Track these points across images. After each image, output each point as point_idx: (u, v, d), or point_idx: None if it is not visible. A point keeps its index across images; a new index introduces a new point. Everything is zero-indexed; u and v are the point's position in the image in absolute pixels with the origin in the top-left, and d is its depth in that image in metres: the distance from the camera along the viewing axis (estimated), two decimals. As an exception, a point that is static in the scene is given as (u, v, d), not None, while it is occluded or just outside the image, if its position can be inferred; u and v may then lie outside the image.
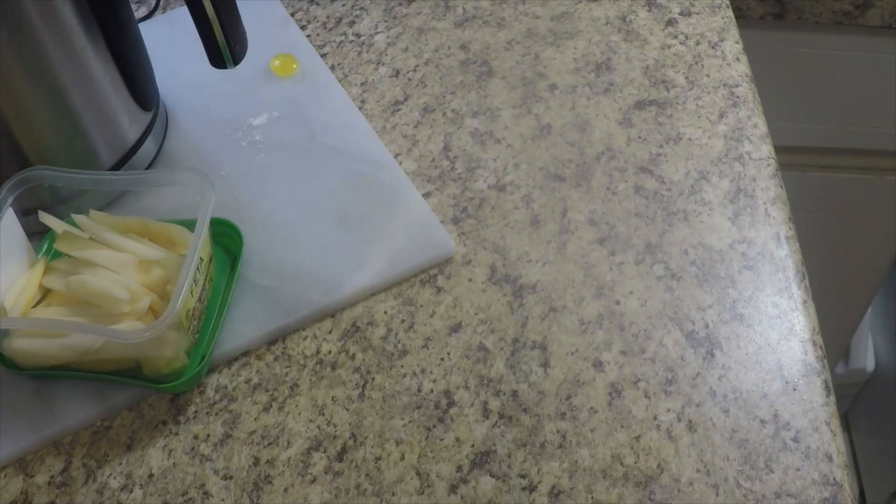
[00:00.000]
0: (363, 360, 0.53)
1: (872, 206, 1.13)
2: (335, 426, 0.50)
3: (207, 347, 0.52)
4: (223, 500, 0.48)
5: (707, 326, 0.53)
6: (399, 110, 0.66)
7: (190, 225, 0.53)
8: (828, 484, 0.47)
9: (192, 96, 0.68)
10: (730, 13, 0.73)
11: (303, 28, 0.73)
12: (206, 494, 0.48)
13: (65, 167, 0.54)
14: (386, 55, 0.71)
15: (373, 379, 0.52)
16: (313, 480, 0.48)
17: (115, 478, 0.49)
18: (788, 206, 0.60)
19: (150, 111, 0.63)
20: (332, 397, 0.51)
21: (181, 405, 0.52)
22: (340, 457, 0.49)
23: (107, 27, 0.56)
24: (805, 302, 0.54)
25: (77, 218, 0.53)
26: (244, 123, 0.66)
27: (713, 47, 0.70)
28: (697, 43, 0.70)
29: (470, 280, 0.56)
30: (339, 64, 0.70)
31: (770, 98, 0.71)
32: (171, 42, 0.71)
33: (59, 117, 0.56)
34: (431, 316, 0.55)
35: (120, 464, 0.50)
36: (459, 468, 0.48)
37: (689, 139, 0.63)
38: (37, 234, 0.55)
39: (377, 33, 0.72)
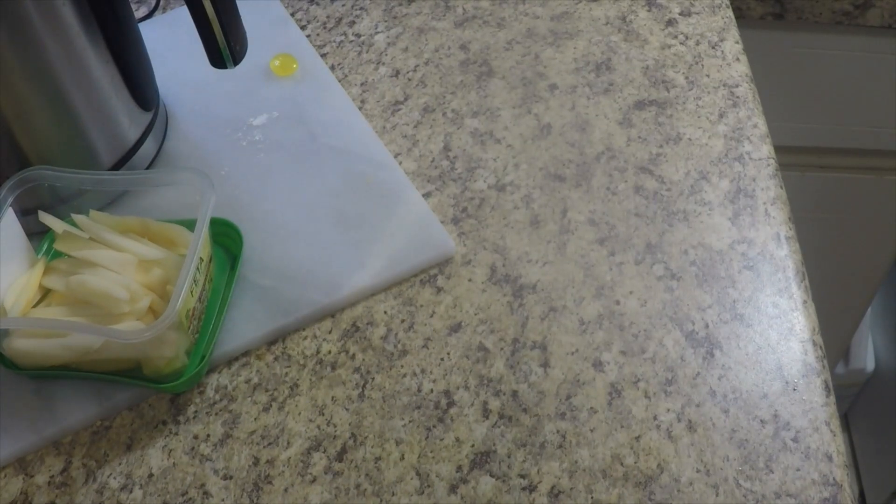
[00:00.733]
0: (363, 360, 0.53)
1: (872, 206, 1.13)
2: (335, 426, 0.50)
3: (207, 347, 0.52)
4: (223, 500, 0.48)
5: (707, 326, 0.53)
6: (399, 110, 0.66)
7: (190, 225, 0.53)
8: (828, 484, 0.47)
9: (192, 96, 0.68)
10: (730, 13, 0.73)
11: (303, 28, 0.73)
12: (206, 494, 0.48)
13: (65, 167, 0.54)
14: (386, 55, 0.71)
15: (373, 379, 0.52)
16: (313, 480, 0.48)
17: (115, 478, 0.49)
18: (788, 206, 0.60)
19: (150, 111, 0.63)
20: (332, 397, 0.51)
21: (181, 405, 0.52)
22: (340, 457, 0.49)
23: (107, 27, 0.56)
24: (805, 302, 0.54)
25: (77, 218, 0.53)
26: (244, 123, 0.66)
27: (713, 47, 0.70)
28: (697, 43, 0.70)
29: (470, 280, 0.56)
30: (339, 64, 0.70)
31: (770, 98, 0.71)
32: (171, 42, 0.71)
33: (59, 117, 0.56)
34: (431, 316, 0.55)
35: (120, 464, 0.50)
36: (459, 468, 0.48)
37: (689, 139, 0.63)
38: (37, 234, 0.55)
39: (377, 33, 0.72)
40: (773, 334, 0.53)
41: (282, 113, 0.66)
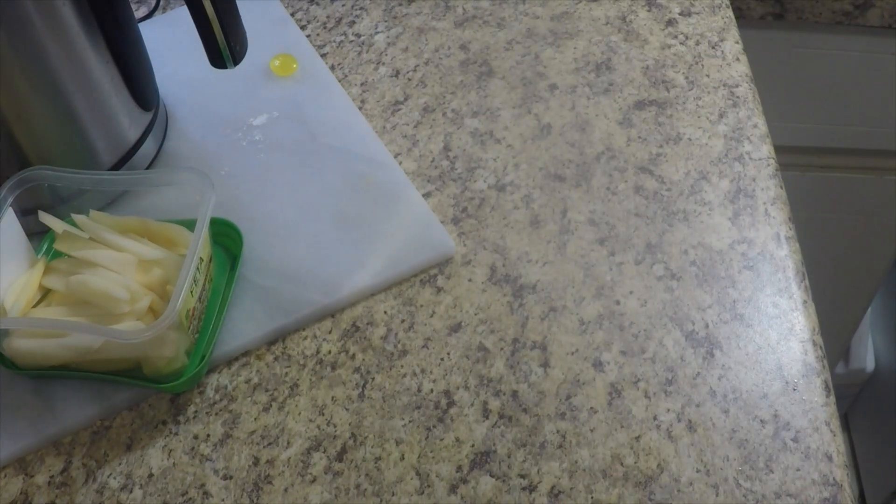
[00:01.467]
0: (363, 360, 0.53)
1: (872, 206, 1.13)
2: (335, 426, 0.50)
3: (207, 347, 0.52)
4: (223, 500, 0.48)
5: (707, 326, 0.53)
6: (399, 110, 0.66)
7: (190, 225, 0.53)
8: (828, 484, 0.47)
9: (192, 96, 0.68)
10: (730, 13, 0.73)
11: (303, 28, 0.73)
12: (206, 494, 0.48)
13: (65, 167, 0.54)
14: (386, 55, 0.71)
15: (373, 379, 0.52)
16: (313, 480, 0.48)
17: (114, 478, 0.49)
18: (788, 206, 0.60)
19: (150, 111, 0.63)
20: (332, 397, 0.51)
21: (181, 405, 0.52)
22: (340, 457, 0.49)
23: (107, 27, 0.56)
24: (805, 302, 0.54)
25: (77, 218, 0.53)
26: (244, 123, 0.66)
27: (713, 47, 0.70)
28: (697, 43, 0.70)
29: (470, 280, 0.56)
30: (339, 64, 0.70)
31: (770, 98, 0.71)
32: (171, 42, 0.71)
33: (59, 117, 0.56)
34: (431, 316, 0.55)
35: (120, 464, 0.50)
36: (459, 468, 0.48)
37: (689, 139, 0.63)
38: (37, 234, 0.55)
39: (377, 33, 0.72)
40: (773, 334, 0.53)
41: (282, 113, 0.66)
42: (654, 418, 0.49)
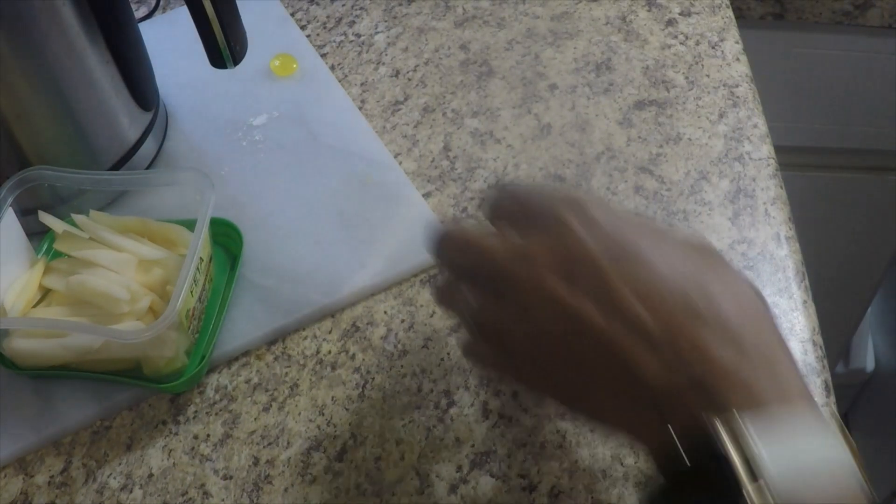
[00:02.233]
0: (363, 360, 0.53)
1: (872, 206, 1.13)
2: (335, 426, 0.50)
3: (207, 347, 0.52)
4: (223, 500, 0.48)
5: (707, 326, 0.53)
6: (399, 110, 0.66)
7: (190, 225, 0.53)
8: (828, 484, 0.47)
9: (192, 96, 0.68)
10: (730, 13, 0.73)
11: (303, 28, 0.73)
12: (206, 494, 0.48)
13: (65, 167, 0.54)
14: (386, 55, 0.71)
15: (373, 379, 0.52)
16: (313, 480, 0.48)
17: (114, 478, 0.49)
18: (788, 206, 0.60)
19: (150, 111, 0.63)
20: (332, 397, 0.51)
21: (181, 405, 0.52)
22: (340, 457, 0.49)
23: (107, 27, 0.56)
24: (805, 302, 0.54)
25: (77, 218, 0.53)
26: (244, 123, 0.66)
27: (713, 47, 0.70)
28: (697, 43, 0.70)
29: (470, 280, 0.56)
30: (339, 64, 0.70)
31: (770, 98, 0.71)
32: (171, 42, 0.71)
33: (59, 117, 0.56)
34: (431, 316, 0.55)
35: (120, 464, 0.50)
36: (459, 468, 0.48)
37: (689, 139, 0.63)
38: (37, 234, 0.55)
39: (377, 33, 0.72)
40: (773, 334, 0.53)
41: (282, 113, 0.66)
42: (654, 418, 0.49)
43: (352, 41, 0.72)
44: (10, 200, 0.51)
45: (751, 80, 0.67)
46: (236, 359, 0.53)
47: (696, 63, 0.68)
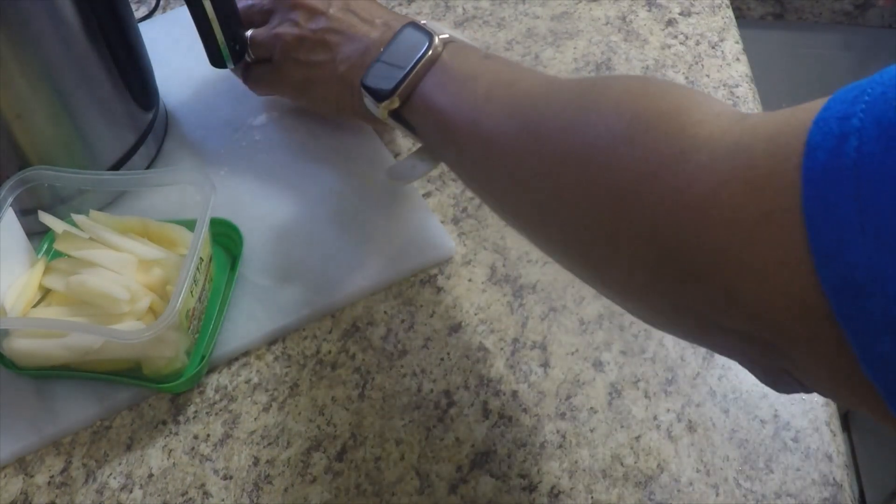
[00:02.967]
0: (363, 360, 0.53)
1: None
2: (335, 426, 0.50)
3: (207, 347, 0.52)
4: (223, 500, 0.48)
5: (707, 326, 0.53)
6: (399, 110, 0.66)
7: (190, 225, 0.53)
8: (828, 484, 0.47)
9: (192, 96, 0.68)
10: (730, 13, 0.73)
11: (303, 28, 0.73)
12: (206, 494, 0.48)
13: (65, 167, 0.54)
14: (386, 55, 0.70)
15: (373, 379, 0.52)
16: (313, 480, 0.48)
17: (115, 478, 0.49)
18: (788, 206, 0.59)
19: (150, 111, 0.63)
20: (332, 397, 0.51)
21: (181, 405, 0.52)
22: (340, 457, 0.49)
23: (107, 27, 0.56)
24: (805, 302, 0.54)
25: (77, 218, 0.53)
26: (244, 123, 0.66)
27: (713, 47, 0.70)
28: (697, 43, 0.70)
29: (470, 280, 0.56)
30: (339, 64, 0.70)
31: (770, 98, 0.71)
32: (171, 42, 0.71)
33: (59, 117, 0.56)
34: (431, 316, 0.55)
35: (120, 464, 0.50)
36: (459, 468, 0.48)
37: (689, 139, 0.63)
38: (37, 234, 0.55)
39: (377, 33, 0.72)
40: (773, 334, 0.53)
41: (282, 113, 0.66)
42: (654, 418, 0.49)
43: (352, 41, 0.72)
44: (10, 200, 0.51)
45: (751, 80, 0.67)
46: (236, 359, 0.53)
47: (696, 63, 0.68)
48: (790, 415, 0.49)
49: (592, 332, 0.53)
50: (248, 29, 0.60)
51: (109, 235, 0.52)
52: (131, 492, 0.48)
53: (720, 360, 0.52)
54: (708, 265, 0.28)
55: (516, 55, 0.70)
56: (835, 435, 0.49)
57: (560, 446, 0.49)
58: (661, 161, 0.30)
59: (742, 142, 0.29)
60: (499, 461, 0.48)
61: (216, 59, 0.58)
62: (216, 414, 0.51)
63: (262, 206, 0.60)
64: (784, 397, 0.50)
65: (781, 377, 0.30)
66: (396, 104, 0.48)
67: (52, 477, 0.49)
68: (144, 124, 0.62)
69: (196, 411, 0.51)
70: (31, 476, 0.49)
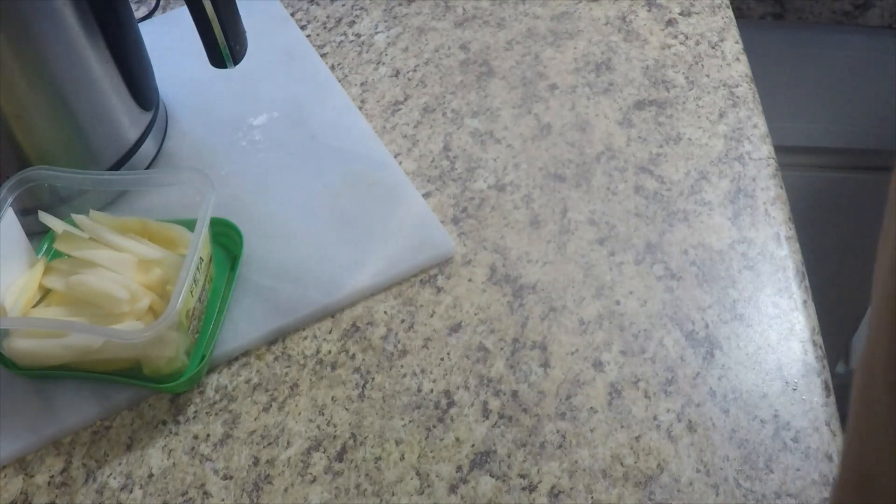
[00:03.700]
0: (363, 360, 0.53)
1: (872, 206, 1.13)
2: (335, 426, 0.50)
3: (207, 347, 0.52)
4: (223, 500, 0.48)
5: (707, 326, 0.53)
6: (399, 110, 0.66)
7: (190, 225, 0.53)
8: (828, 484, 0.47)
9: (192, 96, 0.68)
10: (730, 13, 0.73)
11: (303, 28, 0.73)
12: (206, 494, 0.48)
13: (65, 167, 0.54)
14: (386, 55, 0.70)
15: (373, 379, 0.52)
16: (313, 480, 0.48)
17: (115, 478, 0.49)
18: (788, 206, 0.60)
19: (150, 111, 0.63)
20: (332, 397, 0.51)
21: (181, 405, 0.52)
22: (340, 457, 0.49)
23: (107, 27, 0.56)
24: (805, 302, 0.54)
25: (77, 218, 0.53)
26: (244, 123, 0.66)
27: (713, 47, 0.70)
28: (697, 43, 0.70)
29: (470, 280, 0.56)
30: (339, 64, 0.70)
31: (770, 98, 0.71)
32: (171, 42, 0.71)
33: (59, 117, 0.56)
34: (431, 316, 0.55)
35: (120, 464, 0.50)
36: (459, 468, 0.48)
37: (689, 139, 0.63)
38: (37, 234, 0.55)
39: (377, 33, 0.72)
40: (773, 334, 0.53)
41: (282, 113, 0.66)
42: (654, 418, 0.49)
43: (352, 41, 0.72)
44: (10, 200, 0.51)
45: (751, 80, 0.67)
46: (236, 359, 0.53)
47: (696, 63, 0.68)
48: (790, 415, 0.49)
49: (592, 332, 0.53)
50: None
51: (109, 235, 0.52)
52: (131, 492, 0.48)
53: (720, 359, 0.52)
54: None
55: (516, 55, 0.70)
56: (835, 435, 0.49)
57: (560, 446, 0.49)
58: None
59: None
60: (499, 461, 0.48)
61: (216, 59, 0.58)
62: (216, 414, 0.51)
63: (262, 206, 0.60)
64: (784, 398, 0.50)
65: None
66: None
67: (52, 477, 0.49)
68: (144, 124, 0.62)
69: (196, 411, 0.51)
70: (31, 476, 0.49)
